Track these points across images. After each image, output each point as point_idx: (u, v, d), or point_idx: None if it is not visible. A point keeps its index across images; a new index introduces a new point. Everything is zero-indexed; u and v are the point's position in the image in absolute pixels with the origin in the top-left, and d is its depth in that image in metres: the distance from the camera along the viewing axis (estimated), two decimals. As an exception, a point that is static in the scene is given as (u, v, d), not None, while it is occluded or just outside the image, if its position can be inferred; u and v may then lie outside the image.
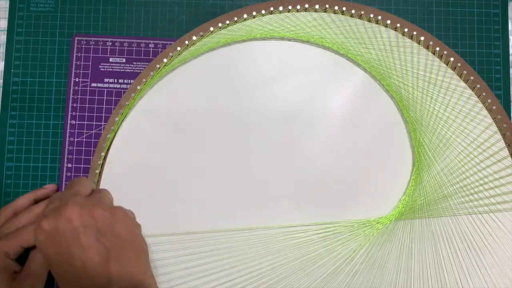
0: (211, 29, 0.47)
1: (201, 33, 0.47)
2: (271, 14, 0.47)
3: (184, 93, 0.46)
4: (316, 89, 0.47)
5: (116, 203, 0.43)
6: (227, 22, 0.47)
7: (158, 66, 0.46)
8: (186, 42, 0.47)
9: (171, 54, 0.47)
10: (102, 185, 0.45)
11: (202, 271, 0.44)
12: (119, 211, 0.38)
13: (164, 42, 0.48)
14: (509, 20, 0.49)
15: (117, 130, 0.46)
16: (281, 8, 0.47)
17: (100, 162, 0.45)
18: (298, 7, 0.47)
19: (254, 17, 0.47)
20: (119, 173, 0.45)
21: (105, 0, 0.49)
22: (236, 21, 0.47)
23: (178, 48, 0.47)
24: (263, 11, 0.47)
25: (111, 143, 0.46)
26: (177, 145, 0.46)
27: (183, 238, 0.44)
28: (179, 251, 0.44)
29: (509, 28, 0.49)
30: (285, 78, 0.47)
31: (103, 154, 0.45)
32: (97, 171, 0.45)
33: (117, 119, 0.46)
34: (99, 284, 0.34)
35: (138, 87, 0.46)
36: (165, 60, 0.46)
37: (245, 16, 0.47)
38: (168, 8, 0.49)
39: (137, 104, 0.46)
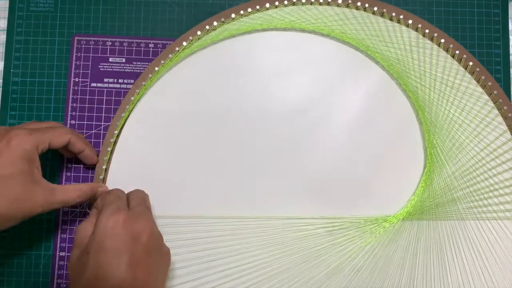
0: (233, 15, 0.47)
1: (223, 19, 0.47)
2: (293, 5, 0.47)
3: (196, 86, 0.47)
4: (333, 84, 0.47)
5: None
6: (249, 10, 0.47)
7: (163, 61, 0.47)
8: (207, 27, 0.47)
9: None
10: (107, 183, 0.46)
11: (206, 255, 0.44)
12: (169, 256, 0.39)
13: (164, 42, 0.48)
14: (509, 20, 0.49)
15: (120, 133, 0.46)
16: (304, 0, 0.47)
17: (104, 166, 0.45)
18: (321, 0, 0.47)
19: (276, 7, 0.47)
20: (124, 173, 0.46)
21: (105, 0, 0.49)
22: (258, 9, 0.47)
23: (200, 32, 0.47)
24: (285, 2, 0.47)
25: (114, 147, 0.46)
26: (188, 138, 0.46)
27: (188, 222, 0.45)
28: (183, 234, 0.44)
29: (509, 28, 0.49)
30: (302, 70, 0.47)
31: (105, 158, 0.45)
32: (101, 177, 0.45)
33: (118, 123, 0.46)
34: None
35: (137, 90, 0.46)
36: (171, 55, 0.47)
37: (267, 5, 0.47)
38: (168, 8, 0.49)
39: (148, 101, 0.47)
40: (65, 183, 0.46)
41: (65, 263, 0.45)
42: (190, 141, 0.46)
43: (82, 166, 0.47)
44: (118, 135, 0.46)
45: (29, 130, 0.38)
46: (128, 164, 0.46)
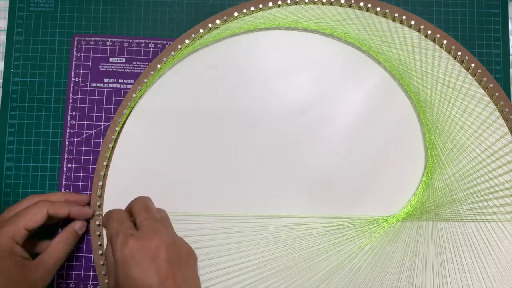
0: (236, 14, 0.47)
1: (225, 17, 0.47)
2: (296, 4, 0.47)
3: (198, 84, 0.46)
4: (335, 83, 0.47)
5: (124, 196, 0.43)
6: (252, 8, 0.47)
7: (165, 59, 0.46)
8: (210, 25, 0.47)
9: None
10: (108, 180, 0.46)
11: (206, 253, 0.44)
12: (193, 253, 0.39)
13: (164, 42, 0.48)
14: (509, 20, 0.49)
15: (121, 130, 0.46)
16: (307, 0, 0.47)
17: (105, 163, 0.45)
18: (324, 0, 0.47)
19: (279, 6, 0.47)
20: (125, 170, 0.46)
21: (105, 0, 0.49)
22: (260, 8, 0.47)
23: (202, 30, 0.47)
24: (288, 1, 0.47)
25: (115, 144, 0.46)
26: (189, 136, 0.46)
27: (185, 219, 0.45)
28: (183, 232, 0.44)
29: (509, 28, 0.49)
30: (304, 70, 0.47)
31: (107, 155, 0.46)
32: (102, 173, 0.45)
33: (120, 120, 0.46)
34: None
35: (139, 87, 0.46)
36: (173, 52, 0.46)
37: (270, 4, 0.47)
38: (168, 8, 0.49)
39: (149, 98, 0.46)
40: (65, 183, 0.46)
41: (65, 263, 0.45)
42: (192, 139, 0.46)
43: (82, 166, 0.47)
44: (119, 132, 0.46)
45: (0, 224, 0.39)
46: (130, 161, 0.46)
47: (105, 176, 0.45)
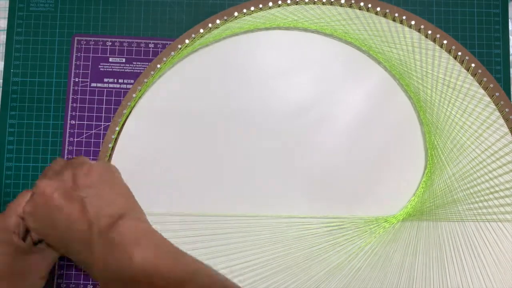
0: (236, 14, 0.47)
1: (225, 17, 0.47)
2: (296, 4, 0.47)
3: (198, 84, 0.46)
4: (335, 83, 0.47)
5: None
6: (252, 8, 0.47)
7: (165, 59, 0.46)
8: (210, 25, 0.47)
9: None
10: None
11: (206, 253, 0.44)
12: (89, 162, 0.39)
13: (164, 42, 0.48)
14: (509, 20, 0.49)
15: (121, 130, 0.46)
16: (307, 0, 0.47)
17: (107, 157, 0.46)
18: (324, 0, 0.47)
19: (279, 6, 0.47)
20: (125, 170, 0.45)
21: (105, 0, 0.49)
22: (261, 8, 0.47)
23: (202, 30, 0.47)
24: (288, 1, 0.47)
25: (115, 144, 0.46)
26: (189, 136, 0.46)
27: (186, 219, 0.45)
28: (183, 232, 0.44)
29: (509, 28, 0.49)
30: (304, 70, 0.47)
31: (107, 155, 0.46)
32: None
33: (120, 119, 0.46)
34: (83, 232, 0.35)
35: (139, 87, 0.46)
36: (173, 52, 0.46)
37: (270, 4, 0.47)
38: (168, 8, 0.49)
39: (149, 98, 0.46)
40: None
41: (65, 262, 0.45)
42: (191, 139, 0.46)
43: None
44: (119, 132, 0.46)
45: None
46: (129, 161, 0.45)
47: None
